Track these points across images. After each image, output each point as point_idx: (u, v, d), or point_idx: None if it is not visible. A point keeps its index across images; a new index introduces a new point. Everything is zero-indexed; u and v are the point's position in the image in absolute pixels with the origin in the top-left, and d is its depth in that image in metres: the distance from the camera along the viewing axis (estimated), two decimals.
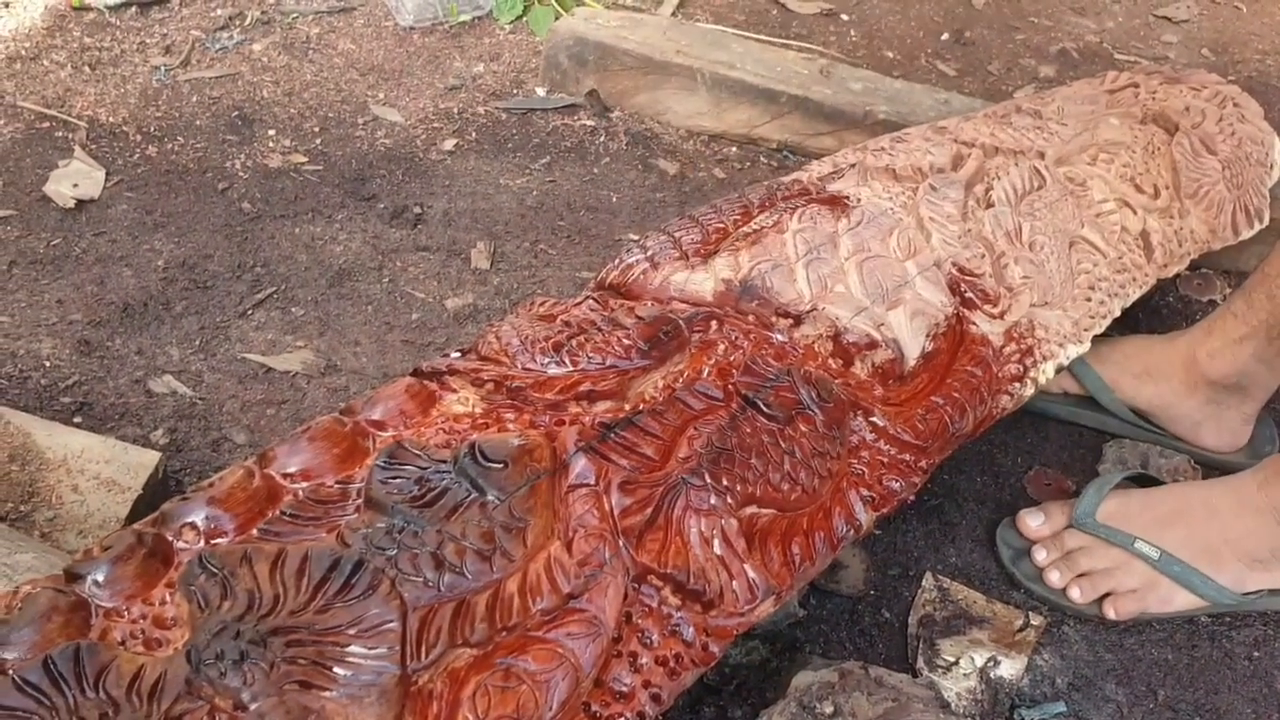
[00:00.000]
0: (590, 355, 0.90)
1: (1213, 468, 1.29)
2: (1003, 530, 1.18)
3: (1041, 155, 1.27)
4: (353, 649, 0.66)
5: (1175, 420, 1.28)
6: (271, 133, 1.64)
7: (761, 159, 1.72)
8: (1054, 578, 1.12)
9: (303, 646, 0.65)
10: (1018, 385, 1.06)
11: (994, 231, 1.15)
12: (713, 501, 0.82)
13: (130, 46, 1.76)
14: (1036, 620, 1.10)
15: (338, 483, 0.77)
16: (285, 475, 0.77)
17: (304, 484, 0.77)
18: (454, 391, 0.86)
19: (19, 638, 0.66)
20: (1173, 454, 1.28)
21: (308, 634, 0.65)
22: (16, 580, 0.84)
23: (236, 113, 1.66)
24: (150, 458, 1.07)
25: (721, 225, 1.10)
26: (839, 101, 1.67)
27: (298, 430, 0.80)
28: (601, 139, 1.71)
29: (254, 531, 0.73)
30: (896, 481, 0.93)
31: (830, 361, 0.99)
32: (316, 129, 1.66)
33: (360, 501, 0.75)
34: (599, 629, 0.73)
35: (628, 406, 0.87)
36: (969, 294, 1.08)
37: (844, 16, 2.08)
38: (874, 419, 0.95)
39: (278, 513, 0.74)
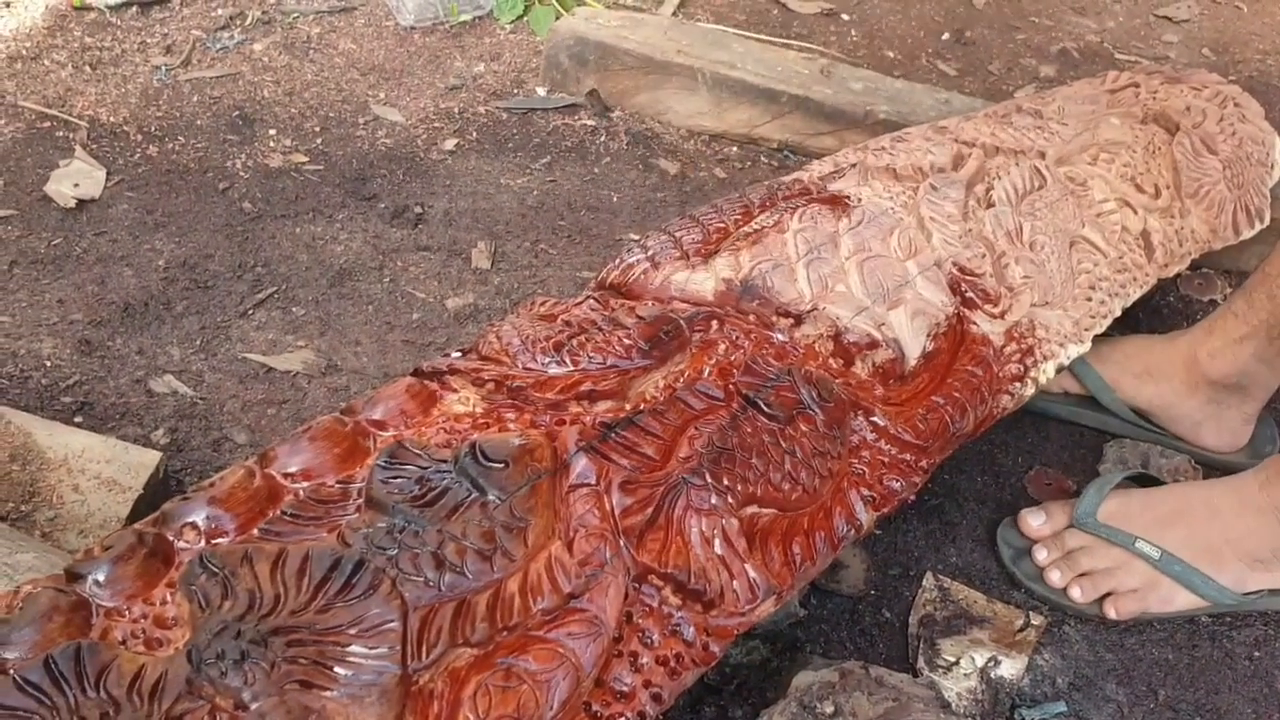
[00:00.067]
0: (591, 355, 0.90)
1: (1213, 468, 1.29)
2: (1003, 530, 1.18)
3: (1042, 155, 1.27)
4: (353, 649, 0.66)
5: (1176, 420, 1.28)
6: (272, 132, 1.64)
7: (762, 159, 1.72)
8: (1054, 577, 1.12)
9: (304, 646, 0.65)
10: (1018, 385, 1.06)
11: (995, 231, 1.15)
12: (713, 501, 0.82)
13: (131, 46, 1.76)
14: (1037, 620, 1.10)
15: (338, 482, 0.77)
16: (286, 475, 0.78)
17: (305, 484, 0.77)
18: (455, 391, 0.87)
19: (20, 637, 0.66)
20: (1173, 454, 1.28)
21: (309, 634, 0.65)
22: (17, 580, 0.84)
23: (237, 112, 1.66)
24: (151, 457, 1.07)
25: (722, 225, 1.10)
26: (840, 101, 1.67)
27: (298, 430, 0.80)
28: (602, 139, 1.71)
29: (255, 531, 0.73)
30: (897, 481, 0.93)
31: (831, 361, 0.99)
32: (317, 129, 1.66)
33: (361, 501, 0.75)
34: (600, 629, 0.73)
35: (628, 406, 0.87)
36: (970, 294, 1.08)
37: (844, 16, 2.08)
38: (875, 419, 0.95)
39: (278, 512, 0.74)
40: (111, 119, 1.62)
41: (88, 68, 1.70)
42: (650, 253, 1.06)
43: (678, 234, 1.08)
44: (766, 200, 1.14)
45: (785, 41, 1.93)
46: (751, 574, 0.81)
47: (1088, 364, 1.28)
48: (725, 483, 0.83)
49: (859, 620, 1.11)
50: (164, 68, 1.72)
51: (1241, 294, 1.22)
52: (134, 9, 1.82)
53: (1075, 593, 1.12)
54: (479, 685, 0.68)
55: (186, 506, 0.74)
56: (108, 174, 1.52)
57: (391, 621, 0.67)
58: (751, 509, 0.84)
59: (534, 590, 0.73)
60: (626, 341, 0.91)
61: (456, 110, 1.73)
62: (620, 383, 0.88)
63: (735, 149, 1.73)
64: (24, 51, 1.71)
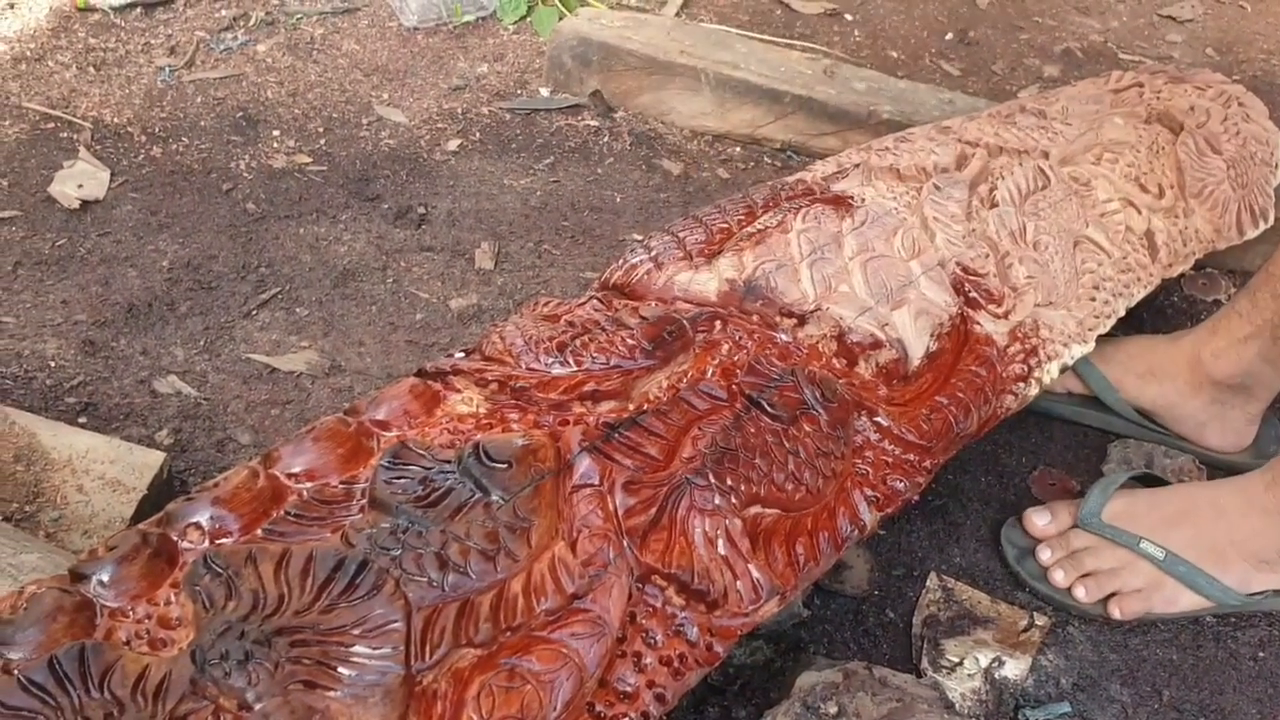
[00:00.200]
0: (594, 355, 0.90)
1: (1218, 468, 1.28)
2: (1007, 530, 1.18)
3: (1046, 155, 1.27)
4: (357, 649, 0.66)
5: (1180, 420, 1.28)
6: (276, 133, 1.64)
7: (765, 159, 1.72)
8: (1059, 577, 1.12)
9: (307, 646, 0.65)
10: (1022, 385, 1.06)
11: (998, 231, 1.15)
12: (717, 501, 0.82)
13: (135, 47, 1.76)
14: (1041, 620, 1.10)
15: (342, 483, 0.77)
16: (290, 475, 0.78)
17: (308, 484, 0.77)
18: (458, 391, 0.87)
19: (24, 638, 0.66)
20: (1177, 454, 1.28)
21: (312, 634, 0.65)
22: (22, 580, 0.84)
23: (241, 113, 1.66)
24: (155, 458, 1.07)
25: (725, 225, 1.10)
26: (843, 101, 1.67)
27: (302, 430, 0.80)
28: (605, 139, 1.71)
29: (259, 532, 0.73)
30: (901, 481, 0.93)
31: (834, 361, 0.99)
32: (321, 129, 1.66)
33: (365, 502, 0.75)
34: (603, 629, 0.73)
35: (632, 406, 0.87)
36: (973, 294, 1.08)
37: (848, 16, 2.08)
38: (878, 419, 0.95)
39: (282, 513, 0.75)
40: (115, 120, 1.62)
41: (92, 69, 1.70)
42: (653, 253, 1.06)
43: (681, 234, 1.08)
44: (770, 200, 1.14)
45: (788, 42, 1.93)
46: (755, 574, 0.81)
47: (1091, 364, 1.28)
48: (729, 483, 0.83)
49: (863, 621, 1.11)
50: (168, 69, 1.72)
51: (1245, 294, 1.21)
52: (138, 10, 1.82)
53: (1080, 593, 1.12)
54: (482, 685, 0.68)
55: (190, 507, 0.75)
56: (112, 175, 1.52)
57: (395, 622, 0.67)
58: (755, 509, 0.84)
59: (537, 591, 0.73)
60: (630, 342, 0.91)
61: (460, 111, 1.73)
62: (624, 383, 0.89)
63: (738, 149, 1.73)
64: (28, 53, 1.72)
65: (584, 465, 0.80)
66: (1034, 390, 1.07)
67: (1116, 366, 1.29)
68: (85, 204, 1.48)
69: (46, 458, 1.06)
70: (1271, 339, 1.18)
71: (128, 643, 0.68)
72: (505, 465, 0.76)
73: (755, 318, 0.99)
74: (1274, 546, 1.10)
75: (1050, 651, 1.09)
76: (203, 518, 0.74)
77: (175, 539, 0.73)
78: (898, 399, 0.98)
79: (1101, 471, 1.27)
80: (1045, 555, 1.14)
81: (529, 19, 1.93)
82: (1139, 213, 1.24)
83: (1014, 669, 1.06)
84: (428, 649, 0.68)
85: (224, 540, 0.73)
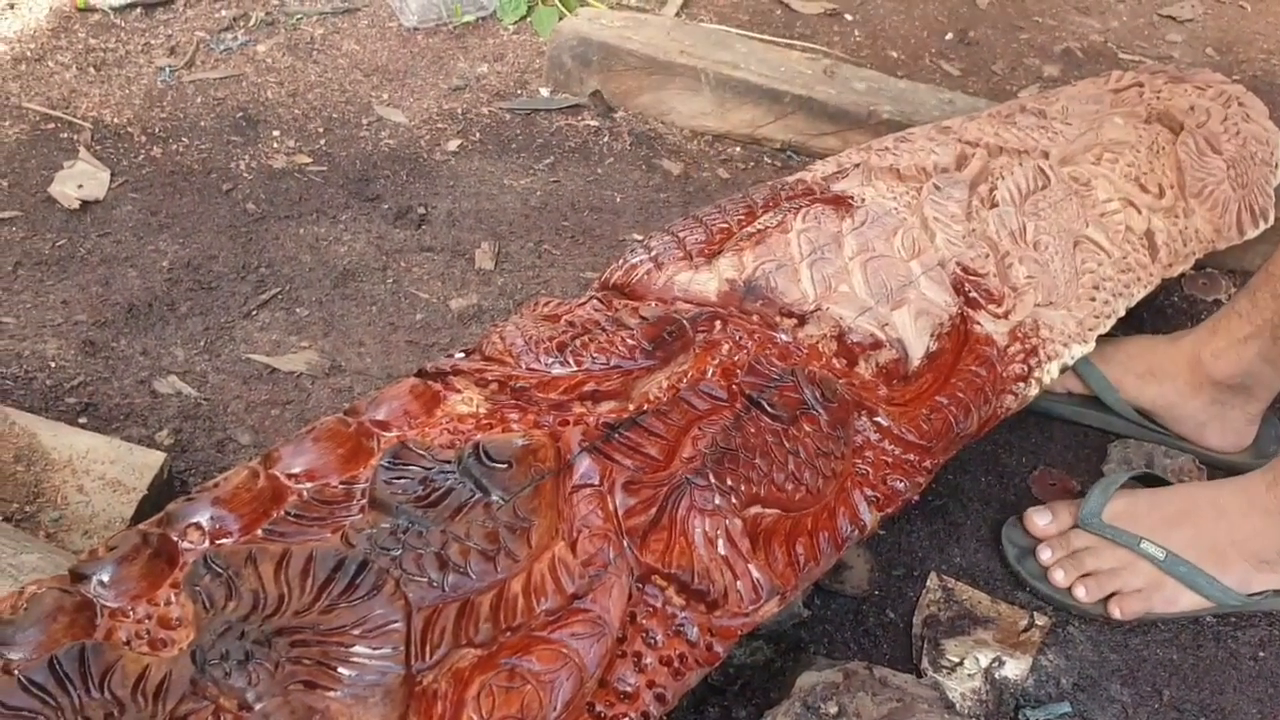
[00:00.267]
0: (594, 355, 0.90)
1: (1218, 468, 1.28)
2: (1008, 529, 1.18)
3: (1046, 155, 1.27)
4: (357, 649, 0.66)
5: (1180, 420, 1.28)
6: (276, 133, 1.64)
7: (765, 159, 1.72)
8: (1059, 577, 1.12)
9: (307, 647, 0.65)
10: (1022, 385, 1.06)
11: (998, 231, 1.15)
12: (717, 502, 0.82)
13: (135, 48, 1.76)
14: (1041, 620, 1.10)
15: (342, 483, 0.77)
16: (290, 476, 0.78)
17: (308, 484, 0.77)
18: (458, 392, 0.87)
19: (24, 638, 0.66)
20: (1178, 454, 1.28)
21: (312, 634, 0.65)
22: (22, 580, 0.84)
23: (241, 114, 1.66)
24: (155, 458, 1.07)
25: (725, 225, 1.10)
26: (843, 101, 1.67)
27: (302, 431, 0.80)
28: (605, 139, 1.71)
29: (259, 532, 0.73)
30: (901, 481, 0.93)
31: (834, 361, 0.99)
32: (321, 130, 1.66)
33: (365, 502, 0.75)
34: (603, 629, 0.73)
35: (632, 407, 0.87)
36: (973, 294, 1.08)
37: (848, 16, 2.08)
38: (878, 419, 0.95)
39: (282, 513, 0.75)
40: (115, 120, 1.62)
41: (92, 69, 1.71)
42: (653, 253, 1.06)
43: (681, 234, 1.08)
44: (770, 200, 1.14)
45: (788, 42, 1.93)
46: (755, 574, 0.81)
47: (1091, 364, 1.28)
48: (729, 483, 0.83)
49: (863, 621, 1.11)
50: (168, 69, 1.72)
51: (1245, 293, 1.21)
52: (138, 10, 1.82)
53: (1080, 592, 1.12)
54: (483, 685, 0.68)
55: (190, 507, 0.75)
56: (112, 175, 1.52)
57: (395, 622, 0.67)
58: (755, 509, 0.84)
59: (537, 591, 0.73)
60: (630, 342, 0.91)
61: (460, 111, 1.73)
62: (624, 383, 0.89)
63: (738, 149, 1.73)
64: (28, 53, 1.72)
65: (584, 465, 0.80)
66: (1034, 390, 1.07)
67: (1116, 366, 1.29)
68: (85, 204, 1.48)
69: (47, 458, 1.06)
70: (1272, 339, 1.18)
71: (128, 643, 0.68)
72: (505, 465, 0.76)
73: (755, 318, 1.00)
74: (1274, 547, 1.10)
75: (1050, 651, 1.09)
76: (203, 518, 0.74)
77: (175, 539, 0.73)
78: (898, 399, 0.98)
79: (1102, 471, 1.27)
80: (1046, 555, 1.14)
81: (529, 19, 1.93)
82: (1139, 212, 1.24)
83: (1014, 669, 1.06)
84: (428, 649, 0.68)
85: (224, 540, 0.73)
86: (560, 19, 1.83)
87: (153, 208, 1.49)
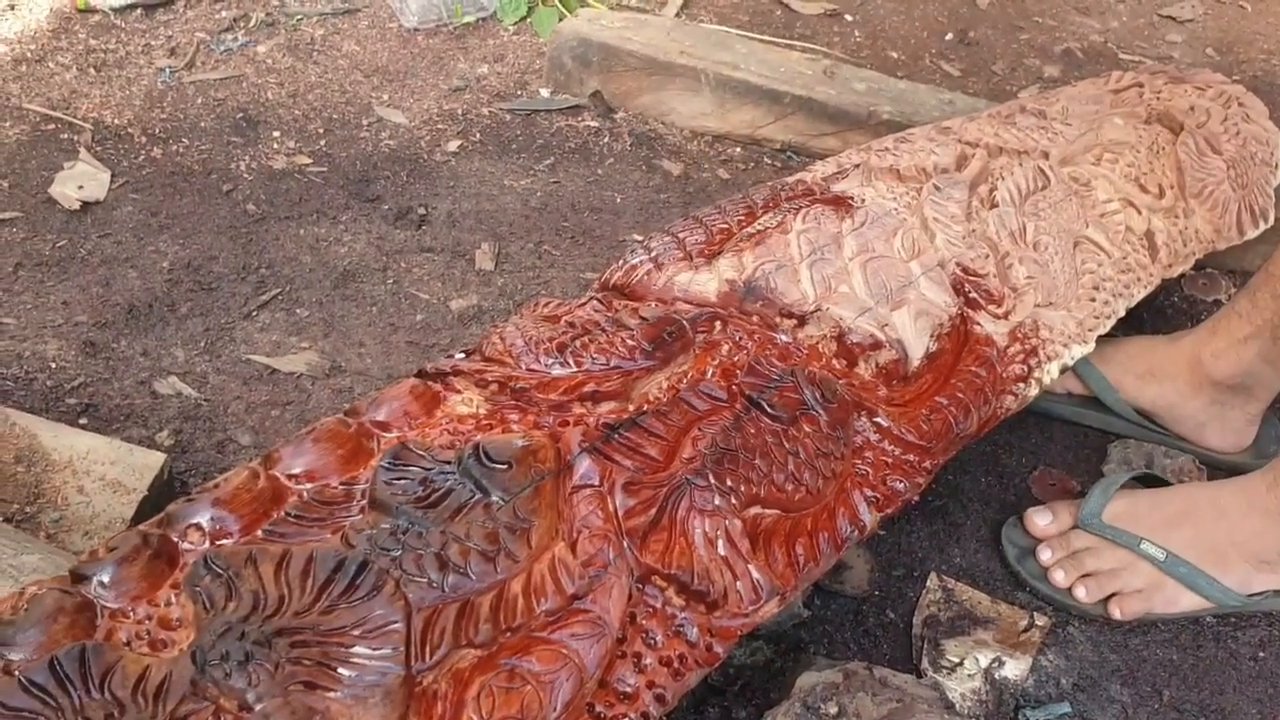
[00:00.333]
0: (594, 356, 0.90)
1: (1218, 468, 1.28)
2: (1008, 530, 1.18)
3: (1046, 155, 1.27)
4: (357, 650, 0.66)
5: (1180, 421, 1.28)
6: (276, 134, 1.64)
7: (765, 160, 1.72)
8: (1059, 577, 1.12)
9: (307, 647, 0.65)
10: (1022, 386, 1.06)
11: (998, 232, 1.15)
12: (717, 502, 0.82)
13: (135, 48, 1.76)
14: (1041, 621, 1.10)
15: (342, 484, 0.77)
16: (290, 476, 0.78)
17: (308, 485, 0.77)
18: (458, 392, 0.87)
19: (25, 639, 0.66)
20: (1178, 454, 1.28)
21: (312, 635, 0.66)
22: (22, 581, 0.84)
23: (241, 114, 1.66)
24: (155, 459, 1.07)
25: (725, 226, 1.10)
26: (843, 102, 1.67)
27: (302, 431, 0.80)
28: (605, 140, 1.71)
29: (259, 532, 0.74)
30: (901, 482, 0.93)
31: (834, 362, 0.99)
32: (321, 130, 1.66)
33: (365, 502, 0.75)
34: (603, 630, 0.73)
35: (632, 407, 0.87)
36: (973, 294, 1.08)
37: (848, 17, 2.08)
38: (878, 419, 0.95)
39: (282, 514, 0.75)
40: (116, 121, 1.62)
41: (92, 70, 1.71)
42: (653, 254, 1.06)
43: (681, 235, 1.08)
44: (770, 201, 1.14)
45: (788, 42, 1.93)
46: (755, 575, 0.81)
47: (1091, 365, 1.28)
48: (728, 484, 0.83)
49: (863, 621, 1.11)
50: (168, 70, 1.72)
51: (1245, 294, 1.21)
52: (138, 11, 1.82)
53: (1080, 593, 1.12)
54: (482, 686, 0.68)
55: (191, 508, 0.75)
56: (112, 176, 1.52)
57: (395, 622, 0.67)
58: (755, 510, 0.84)
59: (537, 591, 0.73)
60: (630, 342, 0.91)
61: (460, 112, 1.73)
62: (623, 384, 0.89)
63: (738, 150, 1.73)
64: (28, 54, 1.72)
65: (584, 466, 0.80)
66: (1034, 391, 1.07)
67: (1116, 367, 1.29)
68: (86, 205, 1.48)
69: (47, 459, 1.06)
70: (1271, 339, 1.18)
71: (128, 644, 0.68)
72: (505, 466, 0.76)
73: (755, 318, 1.00)
74: (1275, 547, 1.10)
75: (1050, 652, 1.09)
76: (203, 519, 0.74)
77: (176, 540, 0.73)
78: (897, 399, 0.98)
79: (1102, 472, 1.27)
80: (1046, 555, 1.14)
81: (529, 20, 1.93)
82: (1139, 213, 1.24)
83: (1014, 669, 1.06)
84: (428, 650, 0.68)
85: (224, 541, 0.73)
86: (560, 20, 1.83)
87: (153, 208, 1.49)
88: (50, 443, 1.07)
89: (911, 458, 0.95)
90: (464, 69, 1.82)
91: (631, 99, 1.75)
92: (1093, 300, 1.15)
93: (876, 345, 1.00)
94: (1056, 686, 1.07)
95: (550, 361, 0.89)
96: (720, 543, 0.81)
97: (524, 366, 0.89)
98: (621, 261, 1.06)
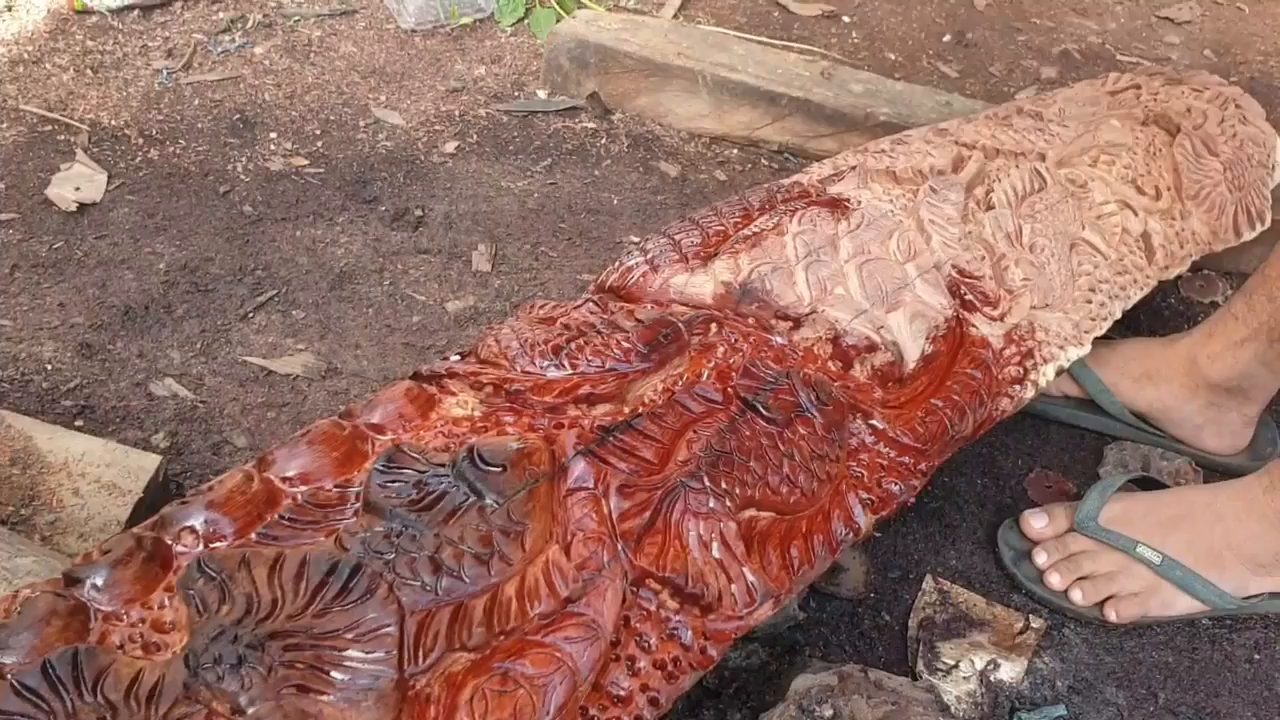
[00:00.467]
0: (589, 358, 0.90)
1: (1214, 470, 1.28)
2: (1004, 532, 1.18)
3: (1042, 157, 1.27)
4: (350, 653, 0.66)
5: (1176, 423, 1.28)
6: (273, 135, 1.64)
7: (763, 161, 1.72)
8: (1055, 580, 1.12)
9: (300, 650, 0.65)
10: (1017, 388, 1.06)
11: (994, 234, 1.15)
12: (711, 505, 0.82)
13: (132, 50, 1.76)
14: (1037, 623, 1.10)
15: (336, 486, 0.77)
16: (284, 479, 0.78)
17: (303, 488, 0.77)
18: (453, 395, 0.87)
19: (18, 642, 0.66)
20: (1174, 456, 1.28)
21: (305, 638, 0.65)
22: (16, 584, 0.84)
23: (238, 116, 1.66)
24: (151, 461, 1.07)
25: (721, 228, 1.10)
26: (840, 103, 1.67)
27: (297, 434, 0.80)
28: (603, 141, 1.71)
29: (252, 535, 0.73)
30: (896, 484, 0.93)
31: (830, 364, 0.99)
32: (318, 132, 1.66)
33: (359, 505, 0.75)
34: (597, 633, 0.73)
35: (627, 409, 0.87)
36: (969, 296, 1.08)
37: (845, 18, 2.08)
38: (873, 422, 0.95)
39: (276, 516, 0.75)
40: (113, 122, 1.62)
41: (89, 71, 1.71)
42: (649, 256, 1.06)
43: (677, 237, 1.08)
44: (766, 203, 1.14)
45: (786, 44, 1.93)
46: (749, 577, 0.81)
47: (1087, 367, 1.28)
48: (723, 486, 0.83)
49: (858, 623, 1.11)
50: (165, 71, 1.72)
51: (1241, 296, 1.21)
52: (135, 12, 1.82)
53: (1076, 596, 1.12)
54: (475, 690, 0.68)
55: (184, 510, 0.75)
56: (109, 177, 1.52)
57: (388, 626, 0.67)
58: (750, 512, 0.84)
59: (531, 594, 0.73)
60: (625, 345, 0.91)
61: (457, 113, 1.73)
62: (618, 386, 0.89)
63: (736, 151, 1.73)
64: (25, 55, 1.72)
65: (579, 468, 0.80)
66: (1030, 393, 1.07)
67: (1112, 370, 1.29)
68: (82, 206, 1.48)
69: (43, 461, 1.06)
70: (1268, 342, 1.18)
71: (121, 647, 0.68)
72: (500, 469, 0.76)
73: (751, 320, 1.00)
74: (1271, 551, 1.10)
75: (1046, 654, 1.09)
76: (197, 521, 0.74)
77: (169, 543, 0.73)
78: (893, 402, 0.98)
79: (1098, 474, 1.27)
80: (1042, 558, 1.14)
81: (526, 21, 1.93)
82: (1135, 215, 1.24)
83: (1010, 671, 1.06)
84: (421, 653, 0.67)
85: (218, 544, 0.73)
86: (558, 21, 1.83)
87: (150, 210, 1.49)
88: (45, 445, 1.07)
89: (907, 460, 0.95)
90: (461, 70, 1.82)
91: (629, 100, 1.75)
92: (1089, 302, 1.15)
93: (872, 347, 1.00)
94: (1052, 689, 1.07)
95: (545, 364, 0.89)
96: (715, 545, 0.81)
97: (519, 369, 0.89)
98: (617, 263, 1.06)
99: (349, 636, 0.66)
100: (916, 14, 2.12)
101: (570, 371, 0.89)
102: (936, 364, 1.03)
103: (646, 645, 0.76)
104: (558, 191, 1.61)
